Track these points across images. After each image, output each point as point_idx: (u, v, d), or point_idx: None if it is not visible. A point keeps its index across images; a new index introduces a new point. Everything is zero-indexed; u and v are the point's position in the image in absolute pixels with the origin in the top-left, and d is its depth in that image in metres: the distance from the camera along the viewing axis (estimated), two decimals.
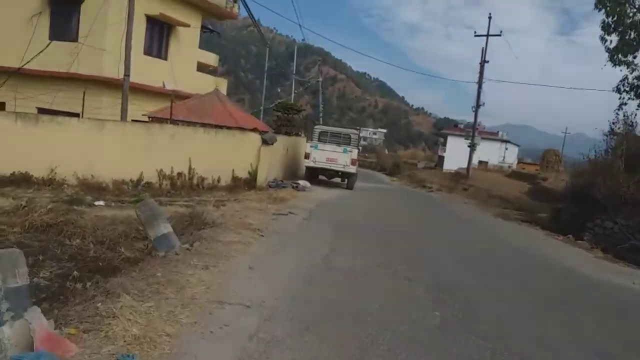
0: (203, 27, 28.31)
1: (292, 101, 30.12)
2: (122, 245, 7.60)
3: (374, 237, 9.74)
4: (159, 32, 19.37)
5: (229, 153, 15.53)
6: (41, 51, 16.52)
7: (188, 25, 19.68)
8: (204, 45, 27.60)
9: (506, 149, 70.82)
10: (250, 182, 15.73)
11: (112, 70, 16.40)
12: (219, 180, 15.46)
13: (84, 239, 8.09)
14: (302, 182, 17.14)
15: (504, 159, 67.56)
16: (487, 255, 9.81)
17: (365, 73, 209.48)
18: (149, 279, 4.88)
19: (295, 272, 6.14)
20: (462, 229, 13.61)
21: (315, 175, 19.76)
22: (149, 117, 16.94)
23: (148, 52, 18.87)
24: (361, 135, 19.60)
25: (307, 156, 18.79)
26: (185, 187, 15.12)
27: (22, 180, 13.39)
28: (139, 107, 17.08)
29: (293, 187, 16.18)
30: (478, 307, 5.73)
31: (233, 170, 15.60)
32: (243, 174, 15.76)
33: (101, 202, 12.80)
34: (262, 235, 7.87)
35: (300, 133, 23.98)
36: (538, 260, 9.94)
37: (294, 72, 40.85)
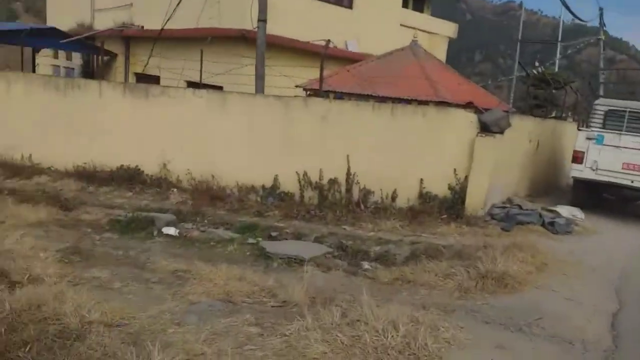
0: None
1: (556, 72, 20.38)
2: None
3: None
4: None
5: (414, 148, 8.35)
6: (178, 4, 12.18)
7: None
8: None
9: None
10: (452, 206, 8.16)
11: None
12: (393, 198, 8.47)
13: None
14: (564, 211, 8.48)
15: None
16: None
17: None
18: None
19: None
20: None
21: (595, 194, 10.36)
22: (305, 90, 10.91)
23: None
24: None
25: (577, 158, 9.61)
26: (338, 205, 8.74)
27: (129, 178, 9.81)
28: (298, 75, 11.25)
29: (544, 225, 7.76)
30: None
31: (421, 180, 8.32)
32: (439, 188, 8.29)
33: (171, 230, 7.52)
34: None
35: (565, 115, 14.73)
36: None
37: (559, 39, 30.31)
